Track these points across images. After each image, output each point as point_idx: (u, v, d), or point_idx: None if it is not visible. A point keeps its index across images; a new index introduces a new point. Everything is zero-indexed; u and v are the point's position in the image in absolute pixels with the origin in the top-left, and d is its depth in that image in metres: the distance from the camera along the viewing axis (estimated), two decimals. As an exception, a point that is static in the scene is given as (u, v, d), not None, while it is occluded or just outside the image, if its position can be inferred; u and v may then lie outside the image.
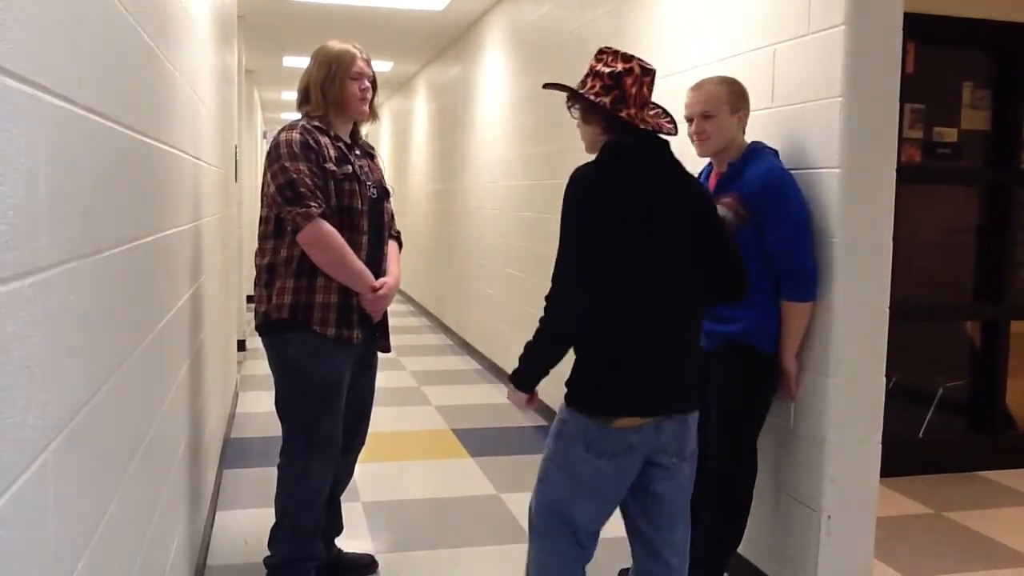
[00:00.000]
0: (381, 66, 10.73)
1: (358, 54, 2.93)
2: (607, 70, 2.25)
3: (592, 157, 2.30)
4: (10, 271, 1.04)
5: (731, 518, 2.94)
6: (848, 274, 2.74)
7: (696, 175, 3.11)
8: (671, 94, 3.82)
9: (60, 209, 1.26)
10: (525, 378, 2.34)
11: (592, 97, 2.25)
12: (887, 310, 2.81)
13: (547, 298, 2.23)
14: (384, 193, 3.06)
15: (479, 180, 7.73)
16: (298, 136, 2.78)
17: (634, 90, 2.23)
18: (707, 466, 2.96)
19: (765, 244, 2.78)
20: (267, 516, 2.95)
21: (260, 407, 5.94)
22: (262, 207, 2.86)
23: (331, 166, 2.80)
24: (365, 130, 3.14)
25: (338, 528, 3.26)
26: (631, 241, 2.20)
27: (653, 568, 2.38)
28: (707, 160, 3.04)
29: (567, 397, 2.28)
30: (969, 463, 4.60)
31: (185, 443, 2.75)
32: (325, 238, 2.74)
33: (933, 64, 4.39)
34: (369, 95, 2.96)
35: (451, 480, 4.47)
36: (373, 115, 3.04)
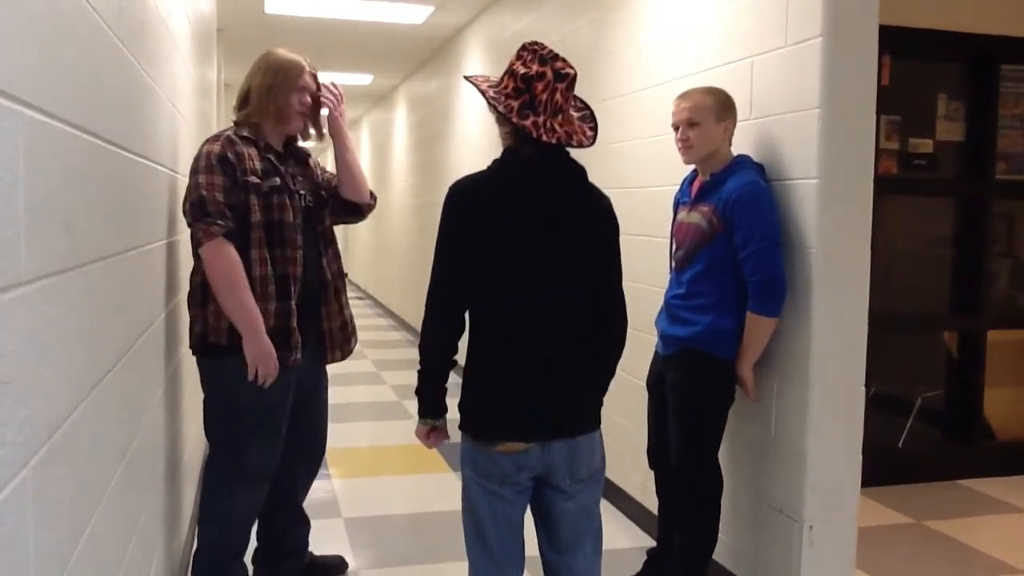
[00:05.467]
0: (361, 79, 10.73)
1: (306, 67, 2.84)
2: (522, 71, 2.09)
3: None
4: (-11, 286, 1.03)
5: (701, 524, 2.96)
6: (827, 284, 2.76)
7: (681, 180, 3.15)
8: (650, 105, 3.85)
9: (39, 223, 1.25)
10: (420, 404, 2.28)
11: (502, 98, 2.10)
12: (866, 320, 2.84)
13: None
14: (322, 201, 2.96)
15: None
16: (218, 149, 2.68)
17: (544, 96, 2.06)
18: (675, 474, 2.99)
19: (736, 256, 2.81)
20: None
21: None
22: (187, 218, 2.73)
23: (254, 179, 2.69)
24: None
25: (304, 534, 3.21)
26: (500, 257, 2.11)
27: None
28: (691, 167, 3.07)
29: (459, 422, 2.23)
30: (949, 472, 4.63)
31: (165, 460, 2.73)
32: (223, 260, 2.62)
33: (908, 76, 4.45)
34: (308, 110, 2.86)
35: (433, 495, 4.45)
36: (318, 133, 2.93)
